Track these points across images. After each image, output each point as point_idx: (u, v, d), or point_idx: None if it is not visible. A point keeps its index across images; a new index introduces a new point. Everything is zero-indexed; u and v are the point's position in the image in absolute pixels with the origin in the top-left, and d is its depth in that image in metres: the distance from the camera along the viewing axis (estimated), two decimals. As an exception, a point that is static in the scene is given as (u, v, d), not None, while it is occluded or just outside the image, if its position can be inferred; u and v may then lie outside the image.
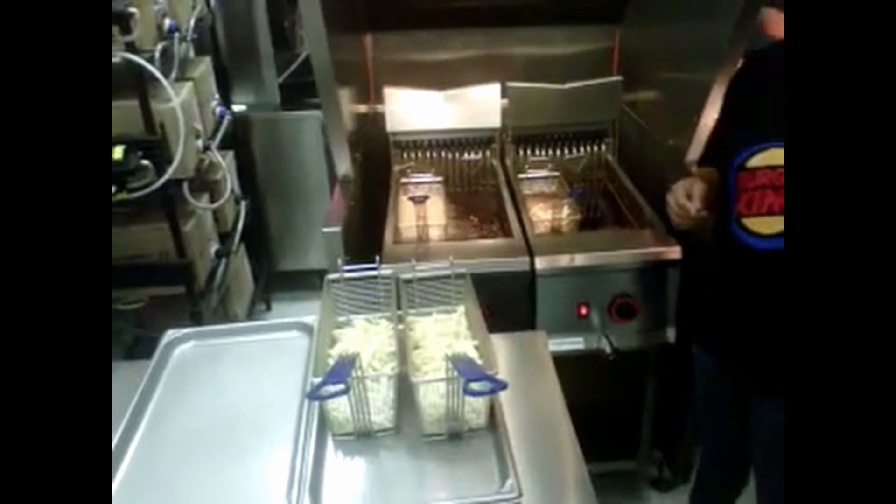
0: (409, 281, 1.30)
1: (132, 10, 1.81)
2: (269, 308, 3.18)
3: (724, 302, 1.39)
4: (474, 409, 1.09)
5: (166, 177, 1.97)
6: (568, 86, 2.16)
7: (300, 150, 2.95)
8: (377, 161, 2.23)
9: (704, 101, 1.66)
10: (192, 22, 2.28)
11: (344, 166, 1.83)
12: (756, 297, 1.29)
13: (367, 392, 1.06)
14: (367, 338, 1.23)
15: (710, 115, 1.71)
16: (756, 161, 1.23)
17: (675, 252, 1.67)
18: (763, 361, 1.30)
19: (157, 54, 1.93)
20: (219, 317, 2.47)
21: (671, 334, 1.75)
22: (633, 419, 1.94)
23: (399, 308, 1.28)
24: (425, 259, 1.41)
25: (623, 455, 2.01)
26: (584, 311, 1.70)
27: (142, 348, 2.21)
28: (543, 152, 2.29)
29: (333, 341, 1.25)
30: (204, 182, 2.41)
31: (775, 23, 2.08)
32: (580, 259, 1.67)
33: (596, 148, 2.28)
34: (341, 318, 1.33)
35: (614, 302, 1.69)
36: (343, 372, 0.98)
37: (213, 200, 2.41)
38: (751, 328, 1.32)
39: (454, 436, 1.09)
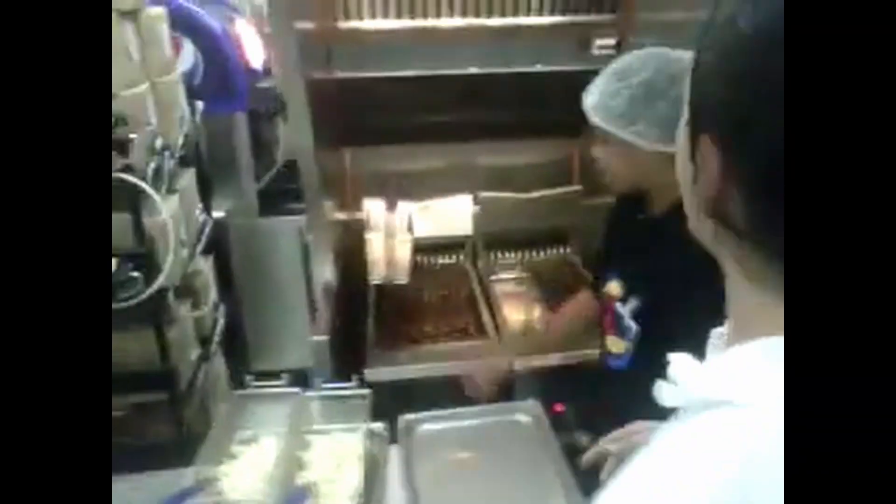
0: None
1: (132, 135, 1.94)
2: (244, 409, 3.17)
3: None
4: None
5: (155, 287, 2.04)
6: (534, 194, 2.35)
7: (276, 254, 3.06)
8: (355, 267, 2.35)
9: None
10: (181, 139, 2.42)
11: (327, 272, 1.95)
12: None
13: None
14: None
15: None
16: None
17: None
18: None
19: (149, 172, 2.05)
20: (200, 420, 2.47)
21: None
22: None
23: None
24: (413, 361, 1.53)
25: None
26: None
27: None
28: (512, 254, 2.45)
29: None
30: (187, 288, 2.47)
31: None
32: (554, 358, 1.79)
33: (562, 249, 2.45)
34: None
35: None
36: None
37: (195, 306, 2.47)
38: None
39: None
